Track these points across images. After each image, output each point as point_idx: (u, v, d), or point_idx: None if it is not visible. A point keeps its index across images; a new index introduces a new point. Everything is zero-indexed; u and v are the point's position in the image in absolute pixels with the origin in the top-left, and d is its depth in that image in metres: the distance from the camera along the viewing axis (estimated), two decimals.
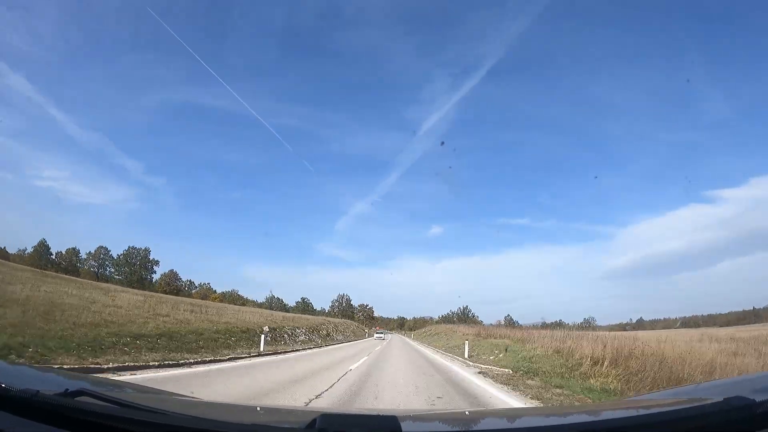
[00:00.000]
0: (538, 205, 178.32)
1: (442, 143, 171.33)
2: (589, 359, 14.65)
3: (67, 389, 1.29)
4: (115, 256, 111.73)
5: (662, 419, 1.30)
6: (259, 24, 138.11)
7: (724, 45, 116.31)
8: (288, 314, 53.89)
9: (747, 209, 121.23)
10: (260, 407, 2.27)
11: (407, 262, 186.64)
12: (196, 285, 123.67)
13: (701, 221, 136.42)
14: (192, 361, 13.75)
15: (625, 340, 16.90)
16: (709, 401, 1.31)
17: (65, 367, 8.77)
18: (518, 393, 10.04)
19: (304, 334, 34.85)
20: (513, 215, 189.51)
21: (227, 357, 16.41)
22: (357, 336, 61.88)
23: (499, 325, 58.42)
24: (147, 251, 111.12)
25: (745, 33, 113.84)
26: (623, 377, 11.75)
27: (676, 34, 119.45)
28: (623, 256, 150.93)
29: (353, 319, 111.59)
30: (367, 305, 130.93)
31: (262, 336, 21.77)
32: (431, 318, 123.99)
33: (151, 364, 11.31)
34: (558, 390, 10.48)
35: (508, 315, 61.35)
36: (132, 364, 10.77)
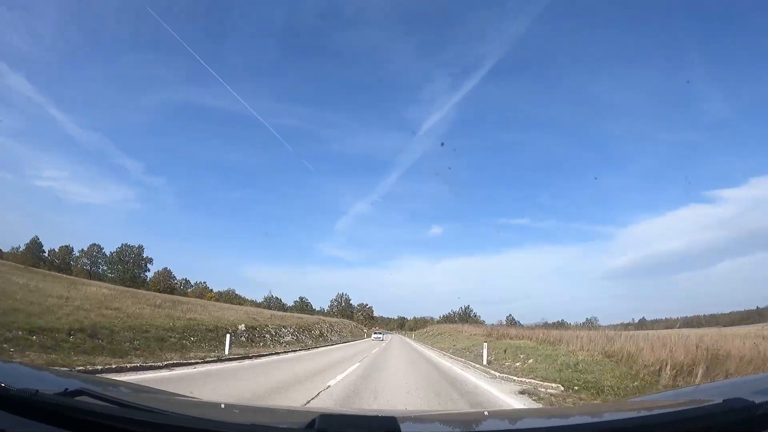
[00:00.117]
0: (538, 205, 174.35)
1: (442, 144, 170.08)
2: (667, 366, 10.16)
3: (67, 389, 1.28)
4: (108, 254, 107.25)
5: (663, 421, 1.28)
6: (259, 24, 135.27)
7: (724, 45, 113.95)
8: (278, 313, 49.28)
9: (747, 209, 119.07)
10: (260, 407, 2.42)
11: (407, 262, 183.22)
12: (192, 284, 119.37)
13: (701, 221, 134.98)
14: (101, 368, 9.36)
15: (677, 340, 12.53)
16: (709, 403, 1.29)
17: None
18: None
19: (292, 335, 30.32)
20: (513, 215, 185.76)
21: (167, 363, 11.93)
22: (355, 336, 57.28)
23: (500, 324, 53.60)
24: (140, 249, 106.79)
25: (745, 33, 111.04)
26: None
27: (676, 34, 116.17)
28: (623, 256, 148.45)
29: (352, 319, 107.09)
30: (367, 305, 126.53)
31: (228, 336, 17.26)
32: (432, 318, 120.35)
33: None
34: None
35: (510, 315, 57.58)
36: None
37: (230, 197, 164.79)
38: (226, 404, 2.06)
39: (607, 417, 1.64)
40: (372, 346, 34.35)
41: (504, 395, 9.23)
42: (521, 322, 55.05)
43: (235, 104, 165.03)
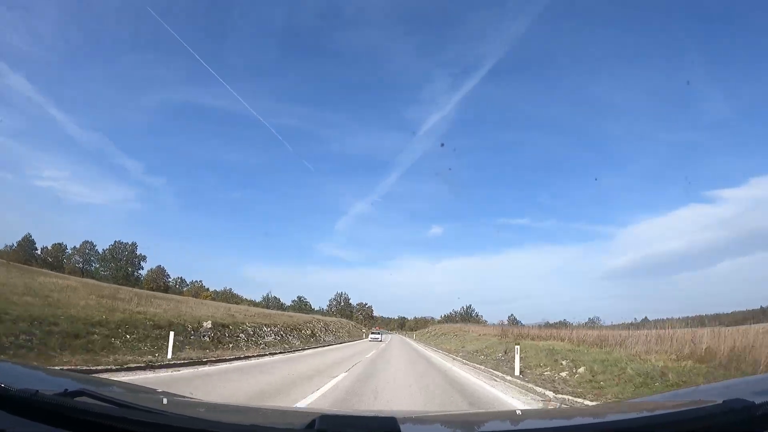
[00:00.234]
0: (538, 205, 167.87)
1: (442, 145, 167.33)
2: None
3: (67, 389, 1.27)
4: (101, 251, 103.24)
5: (663, 421, 1.27)
6: (259, 24, 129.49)
7: (724, 45, 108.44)
8: (264, 310, 44.80)
9: (747, 209, 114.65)
10: (260, 408, 2.28)
11: (407, 262, 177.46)
12: (188, 283, 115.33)
13: (701, 221, 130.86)
14: None
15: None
16: (708, 403, 1.28)
17: None
18: None
19: (276, 335, 26.00)
20: (513, 215, 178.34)
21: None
22: (353, 337, 52.85)
23: (502, 324, 48.99)
24: (134, 246, 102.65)
25: (745, 33, 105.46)
26: None
27: (676, 34, 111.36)
28: (623, 256, 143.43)
29: (352, 318, 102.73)
30: (366, 304, 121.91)
31: (171, 335, 13.00)
32: (432, 318, 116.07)
33: None
34: None
35: (512, 315, 53.91)
36: None
37: (230, 197, 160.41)
38: (225, 405, 2.22)
39: (608, 418, 1.63)
40: (369, 348, 29.95)
41: None
42: (522, 322, 51.44)
43: (235, 104, 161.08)
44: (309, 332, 34.77)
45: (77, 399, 1.23)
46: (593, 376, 9.66)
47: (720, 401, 1.22)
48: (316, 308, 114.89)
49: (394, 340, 54.43)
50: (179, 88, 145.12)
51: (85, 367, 8.95)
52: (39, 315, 11.19)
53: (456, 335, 35.83)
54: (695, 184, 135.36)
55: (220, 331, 19.40)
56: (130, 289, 30.36)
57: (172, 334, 13.00)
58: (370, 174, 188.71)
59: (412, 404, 7.55)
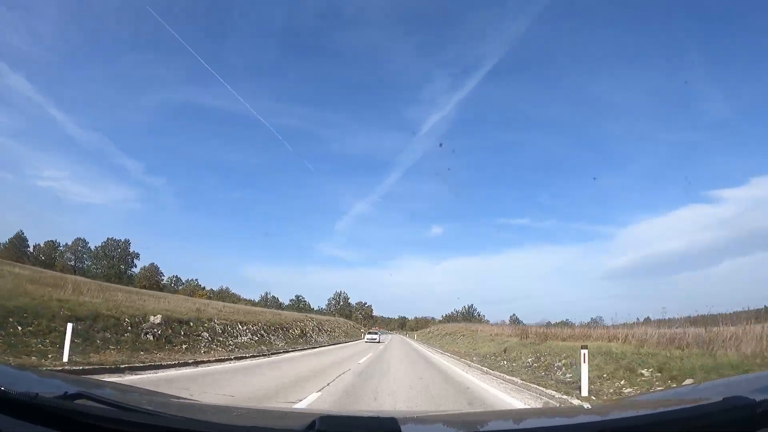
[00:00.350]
0: (538, 205, 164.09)
1: (441, 144, 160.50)
2: None
3: (67, 392, 1.25)
4: (93, 249, 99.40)
5: (664, 419, 1.26)
6: (259, 24, 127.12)
7: (724, 45, 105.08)
8: (249, 308, 40.56)
9: (747, 209, 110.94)
10: (260, 409, 2.32)
11: (407, 262, 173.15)
12: (183, 281, 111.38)
13: (701, 221, 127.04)
14: None
15: None
16: (709, 401, 1.26)
17: None
18: None
19: (254, 334, 21.85)
20: (513, 215, 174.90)
21: None
22: (350, 337, 48.56)
23: (503, 324, 44.70)
24: (127, 243, 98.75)
25: (745, 33, 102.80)
26: None
27: (676, 34, 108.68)
28: (623, 256, 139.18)
29: (351, 318, 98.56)
30: (366, 303, 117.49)
31: (69, 329, 8.86)
32: (433, 318, 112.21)
33: None
34: None
35: (514, 314, 51.07)
36: None
37: (230, 197, 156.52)
38: (225, 406, 2.23)
39: (609, 416, 1.59)
40: (364, 350, 25.75)
41: None
42: (524, 323, 48.16)
43: (235, 104, 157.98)
44: (298, 332, 30.58)
45: (77, 401, 1.22)
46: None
47: (720, 399, 1.18)
48: (316, 308, 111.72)
49: (394, 340, 50.01)
50: (179, 88, 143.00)
51: None
52: None
53: (464, 336, 31.59)
54: (695, 184, 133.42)
55: (173, 329, 15.25)
56: (90, 280, 26.21)
57: (69, 327, 8.85)
58: (370, 174, 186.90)
59: None
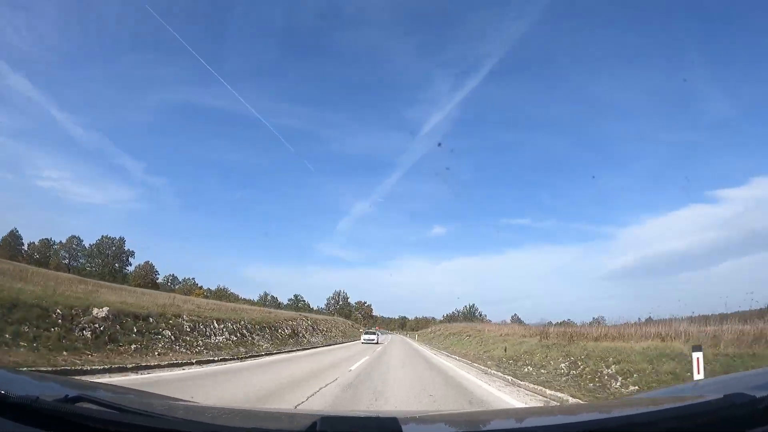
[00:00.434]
0: (539, 205, 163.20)
1: (439, 144, 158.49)
2: None
3: (67, 395, 1.25)
4: (87, 246, 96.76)
5: (665, 416, 1.24)
6: (259, 24, 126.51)
7: (724, 45, 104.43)
8: (240, 305, 37.65)
9: (748, 209, 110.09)
10: (260, 411, 2.28)
11: (408, 263, 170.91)
12: (180, 280, 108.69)
13: (702, 221, 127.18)
14: None
15: None
16: (709, 398, 1.27)
17: None
18: None
19: (232, 333, 18.96)
20: (513, 215, 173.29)
21: None
22: (347, 337, 45.64)
23: (512, 323, 41.80)
24: (122, 241, 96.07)
25: (745, 33, 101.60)
26: None
27: (676, 34, 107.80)
28: (623, 257, 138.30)
29: (350, 317, 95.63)
30: (365, 303, 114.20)
31: None
32: (433, 318, 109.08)
33: None
34: None
35: (515, 314, 49.14)
36: None
37: (231, 197, 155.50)
38: (227, 408, 2.19)
39: (611, 413, 1.55)
40: (360, 353, 22.86)
41: None
42: (525, 322, 45.96)
43: (235, 104, 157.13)
44: (288, 331, 27.69)
45: (78, 404, 1.21)
46: None
47: (721, 396, 1.17)
48: (315, 308, 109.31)
49: (394, 341, 47.05)
50: (179, 88, 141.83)
51: None
52: None
53: (470, 336, 28.64)
54: (696, 184, 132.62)
55: (123, 325, 12.40)
56: (74, 276, 23.41)
57: None
58: (370, 174, 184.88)
59: None
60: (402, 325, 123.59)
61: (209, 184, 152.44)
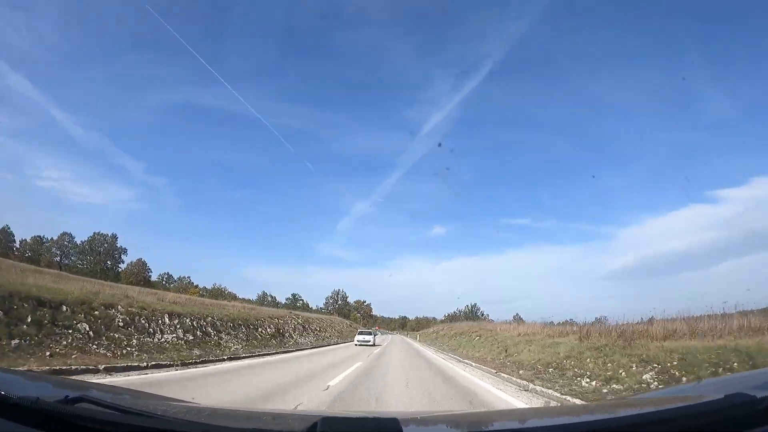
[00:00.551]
0: (539, 205, 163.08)
1: (439, 144, 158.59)
2: None
3: (67, 396, 1.22)
4: (79, 243, 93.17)
5: (665, 417, 1.23)
6: (259, 24, 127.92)
7: (724, 45, 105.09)
8: (214, 301, 33.44)
9: (748, 209, 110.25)
10: (261, 412, 2.24)
11: (408, 263, 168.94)
12: (175, 279, 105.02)
13: (702, 221, 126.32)
14: None
15: None
16: (710, 398, 1.25)
17: None
18: None
19: (187, 330, 15.03)
20: (513, 215, 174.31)
21: None
22: (344, 338, 41.59)
23: (519, 322, 37.41)
24: (114, 238, 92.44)
25: (745, 33, 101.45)
26: None
27: (676, 34, 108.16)
28: (624, 257, 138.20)
29: (349, 317, 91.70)
30: (365, 302, 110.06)
31: None
32: (434, 318, 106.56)
33: None
34: None
35: (517, 314, 47.37)
36: None
37: (231, 197, 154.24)
38: (227, 409, 2.16)
39: (612, 414, 1.55)
40: (351, 357, 18.83)
41: None
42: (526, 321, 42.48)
43: (235, 104, 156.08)
44: (271, 331, 23.75)
45: (78, 405, 1.18)
46: None
47: (721, 396, 1.16)
48: (314, 307, 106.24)
49: (394, 342, 42.95)
50: (179, 88, 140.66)
51: None
52: None
53: (480, 337, 24.61)
54: (696, 184, 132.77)
55: (11, 311, 8.54)
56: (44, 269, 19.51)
57: None
58: (370, 174, 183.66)
59: None
60: (402, 325, 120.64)
61: (209, 184, 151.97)
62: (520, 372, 10.81)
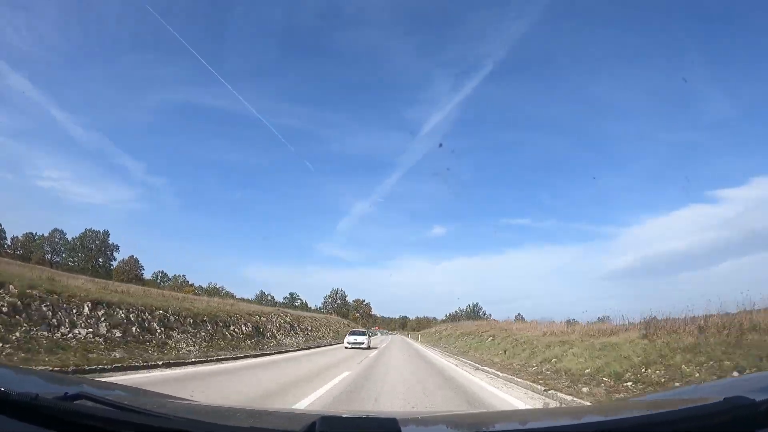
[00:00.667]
0: (539, 205, 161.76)
1: (440, 145, 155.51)
2: None
3: (67, 393, 1.21)
4: (70, 240, 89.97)
5: (665, 419, 1.21)
6: (259, 24, 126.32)
7: (724, 45, 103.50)
8: (172, 293, 29.86)
9: (748, 209, 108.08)
10: (260, 410, 2.22)
11: (408, 262, 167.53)
12: (170, 277, 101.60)
13: (702, 221, 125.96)
14: None
15: None
16: (709, 401, 1.22)
17: None
18: None
19: (113, 325, 11.38)
20: (513, 215, 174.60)
21: None
22: (339, 338, 37.71)
23: (537, 321, 33.36)
24: (106, 235, 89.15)
25: (745, 33, 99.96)
26: None
27: (676, 34, 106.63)
28: (624, 256, 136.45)
29: (348, 317, 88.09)
30: (364, 301, 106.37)
31: None
32: (435, 318, 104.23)
33: None
34: None
35: (519, 313, 46.66)
36: None
37: (231, 197, 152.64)
38: (226, 407, 2.11)
39: (612, 416, 1.54)
40: (338, 363, 15.05)
41: None
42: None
43: (235, 104, 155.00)
44: (248, 330, 20.04)
45: (77, 402, 1.18)
46: None
47: (721, 399, 1.15)
48: (313, 306, 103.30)
49: (394, 342, 39.12)
50: (179, 88, 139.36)
51: None
52: None
53: (493, 337, 20.81)
54: (696, 184, 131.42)
55: None
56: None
57: None
58: (370, 174, 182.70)
59: None
60: (403, 325, 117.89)
61: (209, 184, 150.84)
62: (584, 389, 7.05)
